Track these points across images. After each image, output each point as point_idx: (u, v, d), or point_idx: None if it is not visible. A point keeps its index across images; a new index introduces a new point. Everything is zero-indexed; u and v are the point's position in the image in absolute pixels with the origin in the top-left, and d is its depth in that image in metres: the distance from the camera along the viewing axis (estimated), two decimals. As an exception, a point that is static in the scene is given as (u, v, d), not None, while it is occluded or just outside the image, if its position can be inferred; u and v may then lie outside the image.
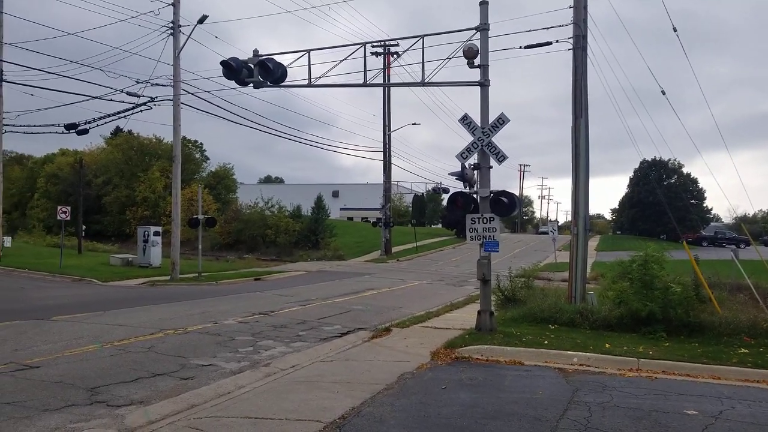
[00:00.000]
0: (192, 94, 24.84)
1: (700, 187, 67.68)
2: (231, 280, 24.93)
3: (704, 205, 68.41)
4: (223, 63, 13.42)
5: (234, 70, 13.37)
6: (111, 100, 23.42)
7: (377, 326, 12.93)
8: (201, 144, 57.33)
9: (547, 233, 66.76)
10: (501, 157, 11.82)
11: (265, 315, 14.39)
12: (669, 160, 65.40)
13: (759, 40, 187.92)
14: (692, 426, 6.23)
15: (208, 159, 57.62)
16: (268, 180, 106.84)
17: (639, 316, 11.65)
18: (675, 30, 15.80)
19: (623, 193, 76.60)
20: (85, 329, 11.66)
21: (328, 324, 13.33)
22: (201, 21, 23.47)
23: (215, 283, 23.56)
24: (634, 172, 70.73)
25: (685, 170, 68.03)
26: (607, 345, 10.47)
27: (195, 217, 26.19)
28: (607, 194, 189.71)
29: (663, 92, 15.08)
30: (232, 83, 14.01)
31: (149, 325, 12.32)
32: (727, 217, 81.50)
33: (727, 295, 14.78)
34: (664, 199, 51.37)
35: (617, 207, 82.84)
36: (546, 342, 10.72)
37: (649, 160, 62.72)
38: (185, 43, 24.35)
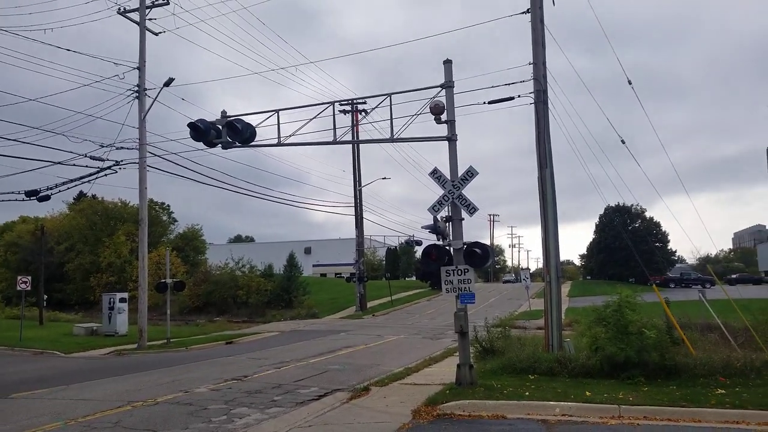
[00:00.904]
0: (159, 156, 24.70)
1: (663, 230, 69.69)
2: (202, 345, 24.15)
3: (668, 247, 70.22)
4: (191, 125, 13.43)
5: (202, 131, 13.39)
6: (74, 165, 23.03)
7: (355, 386, 12.59)
8: (168, 206, 56.71)
9: (511, 282, 67.04)
10: (472, 209, 12.01)
11: (238, 380, 13.91)
12: (632, 205, 67.43)
13: (709, 87, 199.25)
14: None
15: (175, 221, 56.90)
16: (238, 239, 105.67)
17: (616, 361, 11.66)
18: (630, 83, 16.62)
19: (591, 239, 78.24)
20: (47, 406, 11.04)
21: (305, 386, 12.93)
22: (167, 84, 23.64)
23: (185, 349, 22.78)
24: (600, 218, 72.55)
25: (648, 214, 70.18)
26: (588, 393, 10.40)
27: (163, 281, 25.57)
28: (575, 240, 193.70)
29: (623, 141, 15.68)
30: (200, 144, 14.03)
31: (116, 397, 11.75)
32: (690, 258, 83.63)
33: (699, 335, 14.96)
34: (630, 243, 52.61)
35: (585, 252, 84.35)
36: (527, 393, 10.60)
37: (614, 205, 64.52)
38: (151, 106, 24.42)
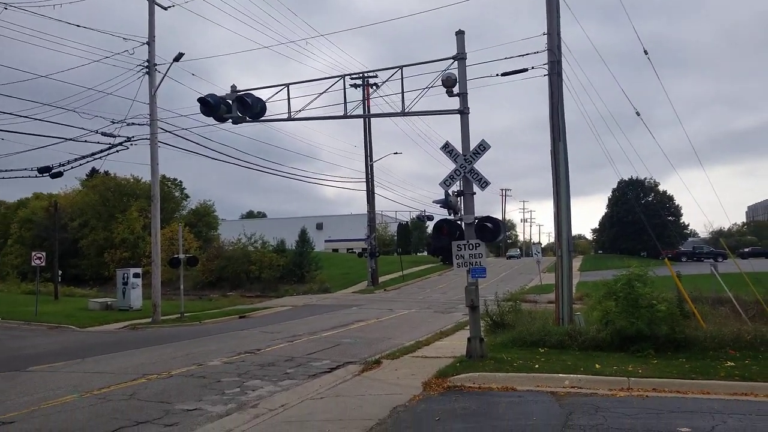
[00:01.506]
0: (170, 132, 24.74)
1: (676, 203, 68.96)
2: (215, 319, 24.47)
3: (681, 221, 69.55)
4: (201, 100, 13.38)
5: (212, 106, 13.34)
6: (86, 141, 23.12)
7: (367, 359, 12.74)
8: (180, 182, 57.00)
9: (515, 257, 66.54)
10: (484, 183, 11.92)
11: (251, 354, 14.10)
12: (645, 178, 66.71)
13: (727, 60, 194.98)
14: (687, 444, 6.18)
15: (188, 197, 57.21)
16: (250, 215, 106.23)
17: (626, 334, 11.67)
18: (646, 53, 16.28)
19: (603, 213, 77.68)
20: (63, 379, 11.28)
21: (317, 359, 13.09)
22: (177, 59, 23.50)
23: (199, 323, 23.10)
24: (613, 192, 71.87)
25: (661, 188, 69.39)
26: (597, 365, 10.43)
27: (176, 256, 25.80)
28: (588, 215, 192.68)
29: (638, 113, 15.41)
30: (211, 120, 14.00)
31: (131, 370, 11.98)
32: (703, 232, 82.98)
33: (710, 308, 14.92)
34: (643, 217, 52.14)
35: (598, 227, 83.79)
36: (537, 366, 10.65)
37: (627, 179, 63.89)
38: (161, 82, 24.34)
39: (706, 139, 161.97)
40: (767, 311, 13.19)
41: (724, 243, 32.10)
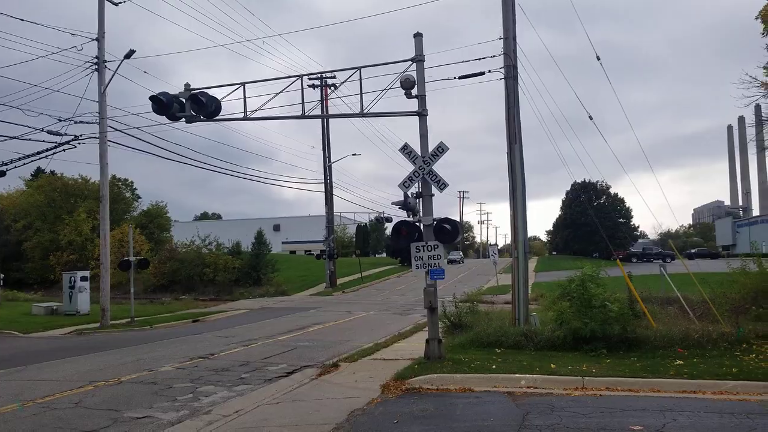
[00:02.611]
0: (120, 131, 23.86)
1: (627, 206, 71.27)
2: (167, 324, 23.76)
3: (632, 223, 71.96)
4: (153, 98, 13.04)
5: (164, 105, 13.01)
6: (30, 139, 22.04)
7: (325, 362, 12.58)
8: (132, 182, 55.22)
9: (457, 262, 66.63)
10: (442, 185, 11.98)
11: (204, 359, 13.73)
12: (598, 181, 68.71)
13: (675, 68, 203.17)
14: (640, 441, 6.31)
15: (139, 198, 55.49)
16: (204, 216, 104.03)
17: (580, 334, 11.92)
18: (598, 58, 16.72)
19: (557, 215, 79.70)
20: (3, 387, 10.67)
21: (273, 363, 12.84)
22: (128, 56, 22.76)
23: (150, 328, 22.39)
24: (566, 194, 73.79)
25: (612, 190, 71.61)
26: (552, 365, 10.60)
27: (126, 258, 24.94)
28: (542, 216, 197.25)
29: (590, 117, 15.81)
30: (164, 119, 13.62)
31: (77, 377, 11.45)
32: (652, 234, 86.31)
33: (659, 308, 15.43)
34: (595, 219, 53.71)
35: (552, 228, 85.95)
36: (494, 366, 10.74)
37: (580, 182, 65.66)
38: (111, 79, 23.51)
39: (654, 144, 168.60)
40: (713, 311, 13.70)
41: (672, 244, 33.34)
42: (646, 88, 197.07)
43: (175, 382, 10.82)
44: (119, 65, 23.15)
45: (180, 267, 43.06)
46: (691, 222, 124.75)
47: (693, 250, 66.69)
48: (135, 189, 55.67)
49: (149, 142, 27.63)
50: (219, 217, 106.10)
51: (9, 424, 8.06)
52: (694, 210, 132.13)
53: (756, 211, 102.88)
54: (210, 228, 52.71)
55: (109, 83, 23.52)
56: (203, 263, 42.97)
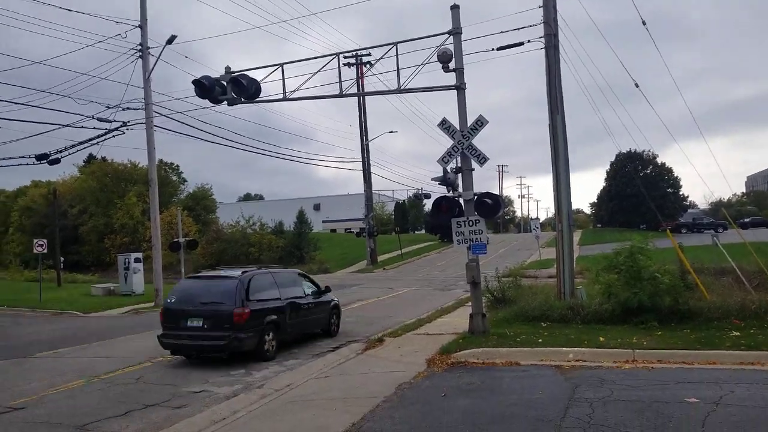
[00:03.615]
0: (165, 116, 24.45)
1: (675, 175, 68.66)
2: (217, 302, 24.48)
3: (681, 193, 69.41)
4: (195, 82, 13.28)
5: (206, 88, 13.24)
6: (82, 127, 22.94)
7: (369, 337, 12.77)
8: (177, 166, 56.78)
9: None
10: (482, 159, 11.82)
11: (254, 335, 14.11)
12: (644, 151, 66.36)
13: (723, 32, 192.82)
14: (695, 414, 6.20)
15: (185, 181, 57.04)
16: (247, 197, 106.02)
17: (629, 307, 11.69)
18: (644, 23, 16.04)
19: (601, 187, 77.48)
20: (70, 364, 11.30)
21: (320, 338, 13.12)
22: (170, 41, 23.16)
23: (201, 306, 23.11)
24: (611, 165, 71.55)
25: (659, 160, 69.09)
26: (601, 338, 10.46)
27: (176, 240, 25.75)
28: (586, 189, 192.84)
29: (636, 85, 15.24)
30: (206, 102, 13.88)
31: (136, 354, 12.00)
32: (702, 203, 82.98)
33: (712, 279, 14.94)
34: (643, 189, 52.09)
35: (596, 201, 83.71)
36: (540, 340, 10.68)
37: (625, 152, 63.60)
38: (155, 65, 24.01)
39: (704, 111, 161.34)
40: (771, 280, 13.20)
41: (725, 213, 32.11)
42: (691, 52, 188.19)
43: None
44: (162, 51, 23.62)
45: (226, 247, 44.21)
46: (744, 190, 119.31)
47: (747, 219, 63.78)
48: (181, 172, 57.24)
49: (193, 126, 28.35)
50: (261, 197, 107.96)
51: (79, 398, 8.56)
52: (748, 177, 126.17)
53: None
54: (253, 209, 53.77)
55: (152, 69, 24.01)
56: (248, 243, 43.98)
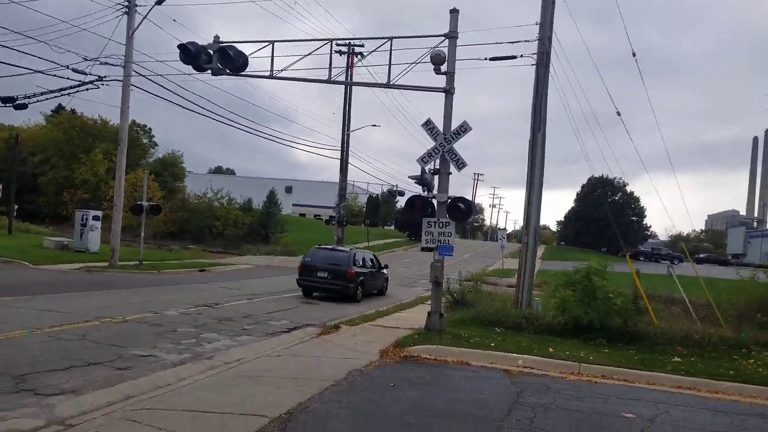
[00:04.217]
0: (144, 76, 23.82)
1: (641, 205, 70.59)
2: (174, 270, 24.14)
3: (644, 222, 71.39)
4: (181, 46, 13.03)
5: (192, 54, 12.99)
6: (54, 75, 22.17)
7: (326, 323, 12.78)
8: (150, 129, 55.37)
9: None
10: (461, 164, 11.93)
11: (209, 307, 13.98)
12: (615, 178, 67.86)
13: (706, 76, 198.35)
14: (629, 429, 6.42)
15: (156, 145, 55.73)
16: (218, 171, 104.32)
17: (581, 323, 11.98)
18: (634, 55, 16.38)
19: (570, 207, 78.98)
20: (13, 314, 10.97)
21: (276, 319, 13.07)
22: (159, 2, 22.64)
23: (157, 272, 22.76)
24: (582, 188, 73.01)
25: (629, 188, 70.88)
26: (551, 349, 10.70)
27: (139, 203, 25.23)
28: (554, 206, 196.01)
29: (618, 113, 15.55)
30: (189, 69, 13.63)
31: (84, 312, 11.72)
32: (663, 235, 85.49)
33: (663, 307, 15.44)
34: (610, 214, 53.32)
35: (563, 219, 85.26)
36: (492, 344, 10.86)
37: (597, 176, 64.95)
38: (140, 24, 23.46)
39: (676, 147, 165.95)
40: (717, 314, 13.70)
41: (683, 246, 33.15)
42: (674, 91, 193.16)
43: (179, 326, 11.06)
44: (150, 10, 23.11)
45: (190, 217, 43.49)
46: (704, 228, 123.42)
47: (702, 255, 66.06)
48: (153, 136, 55.88)
49: (172, 91, 27.54)
50: (233, 172, 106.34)
51: (20, 349, 8.31)
52: (708, 216, 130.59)
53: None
54: (223, 182, 53.03)
55: (137, 27, 23.48)
56: (214, 216, 43.35)
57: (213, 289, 18.39)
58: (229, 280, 21.70)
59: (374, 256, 20.80)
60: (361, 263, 18.82)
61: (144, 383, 7.10)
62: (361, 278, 18.16)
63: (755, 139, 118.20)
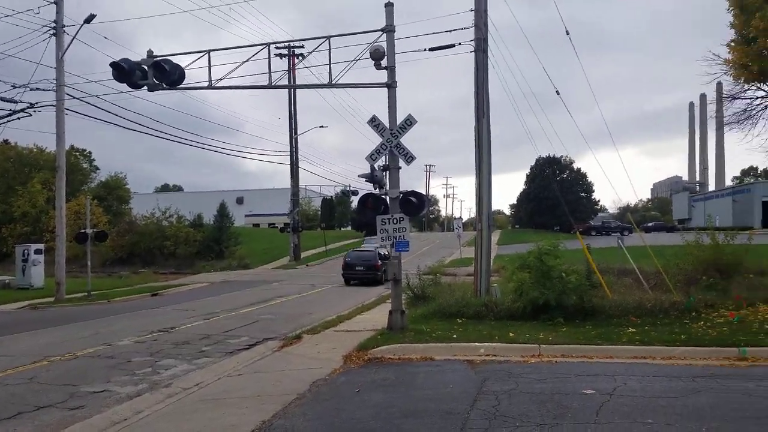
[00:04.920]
0: (78, 98, 22.89)
1: (589, 180, 72.86)
2: (125, 297, 23.32)
3: (593, 197, 73.70)
4: (114, 65, 12.65)
5: (126, 72, 12.62)
6: (-19, 107, 21.04)
7: (287, 334, 12.58)
8: (89, 153, 53.54)
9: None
10: (409, 158, 11.94)
11: (164, 332, 13.55)
12: (562, 156, 69.86)
13: (640, 46, 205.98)
14: (590, 405, 6.56)
15: (97, 169, 53.90)
16: (165, 188, 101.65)
17: (538, 304, 12.23)
18: (568, 33, 16.72)
19: (521, 189, 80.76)
20: (-47, 363, 10.32)
21: (235, 336, 12.78)
22: (88, 20, 21.81)
23: (107, 302, 21.93)
24: (531, 169, 74.74)
25: (575, 165, 73.00)
26: (511, 334, 10.87)
27: (83, 231, 24.24)
28: (506, 191, 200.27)
29: (557, 92, 15.85)
30: (125, 87, 13.22)
31: (31, 352, 11.14)
32: (612, 208, 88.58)
33: (615, 279, 15.93)
34: (558, 193, 54.77)
35: (515, 202, 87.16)
36: (455, 336, 10.95)
37: (544, 157, 66.58)
38: (70, 44, 22.52)
39: (617, 120, 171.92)
40: (666, 281, 14.21)
41: (630, 218, 34.41)
42: (610, 63, 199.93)
43: (134, 356, 10.66)
44: (78, 30, 22.28)
45: (139, 240, 42.11)
46: (649, 197, 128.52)
47: (650, 224, 68.80)
48: (93, 160, 54.01)
49: (109, 111, 26.66)
50: (180, 189, 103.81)
51: (-42, 399, 7.81)
52: (653, 185, 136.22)
53: (712, 186, 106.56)
54: (171, 200, 51.58)
55: (67, 49, 22.60)
56: (163, 236, 42.12)
57: (167, 312, 17.85)
58: (184, 301, 21.13)
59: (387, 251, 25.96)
60: (382, 258, 25.26)
61: (99, 421, 6.80)
62: (384, 268, 23.92)
63: (691, 105, 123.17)
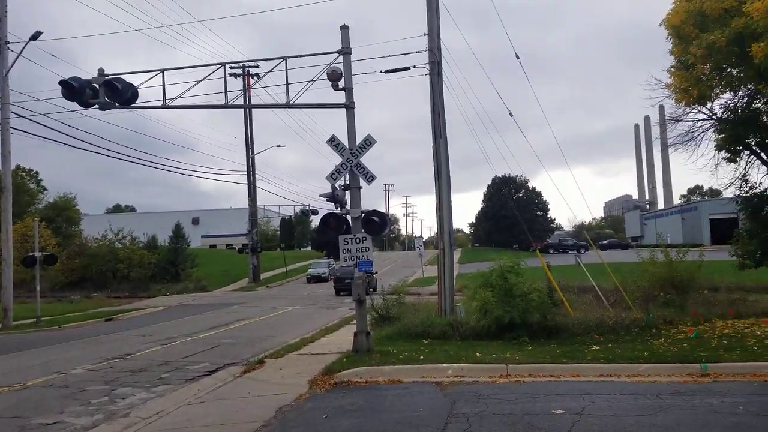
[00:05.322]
0: (25, 117, 22.08)
1: (544, 199, 74.57)
2: (77, 323, 22.33)
3: (549, 215, 75.43)
4: (63, 83, 12.28)
5: (76, 90, 12.27)
6: None
7: (249, 359, 12.24)
8: (37, 173, 51.58)
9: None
10: (370, 177, 11.93)
11: (120, 359, 12.99)
12: (517, 176, 71.29)
13: (582, 70, 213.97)
14: (561, 425, 6.57)
15: (45, 189, 51.91)
16: (117, 209, 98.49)
17: (503, 323, 12.29)
18: (518, 57, 17.24)
19: (479, 208, 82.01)
20: None
21: (195, 362, 12.34)
22: (34, 38, 21.22)
23: (58, 328, 20.95)
24: (488, 188, 76.10)
25: (530, 184, 74.69)
26: (478, 354, 10.87)
27: (31, 254, 23.20)
28: (465, 209, 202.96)
29: (510, 114, 16.28)
30: (75, 105, 12.81)
31: (-26, 385, 10.47)
32: (567, 226, 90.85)
33: (576, 296, 16.20)
34: (516, 211, 55.81)
35: (474, 221, 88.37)
36: (422, 357, 10.87)
37: (500, 176, 67.86)
38: (15, 62, 21.85)
39: (566, 141, 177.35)
40: (625, 298, 14.56)
41: (586, 235, 35.31)
42: (561, 86, 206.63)
43: (89, 385, 10.15)
44: (24, 47, 21.60)
45: (91, 263, 40.59)
46: (602, 215, 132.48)
47: (605, 241, 70.76)
48: (41, 180, 52.13)
49: (57, 130, 25.70)
50: (133, 209, 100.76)
51: None
52: (605, 203, 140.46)
53: (661, 205, 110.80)
54: (123, 221, 50.08)
55: (12, 66, 21.89)
56: (116, 258, 40.74)
57: (123, 338, 17.15)
58: (139, 326, 20.37)
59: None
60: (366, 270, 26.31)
61: (51, 458, 6.39)
62: (368, 280, 24.78)
63: (636, 126, 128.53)
